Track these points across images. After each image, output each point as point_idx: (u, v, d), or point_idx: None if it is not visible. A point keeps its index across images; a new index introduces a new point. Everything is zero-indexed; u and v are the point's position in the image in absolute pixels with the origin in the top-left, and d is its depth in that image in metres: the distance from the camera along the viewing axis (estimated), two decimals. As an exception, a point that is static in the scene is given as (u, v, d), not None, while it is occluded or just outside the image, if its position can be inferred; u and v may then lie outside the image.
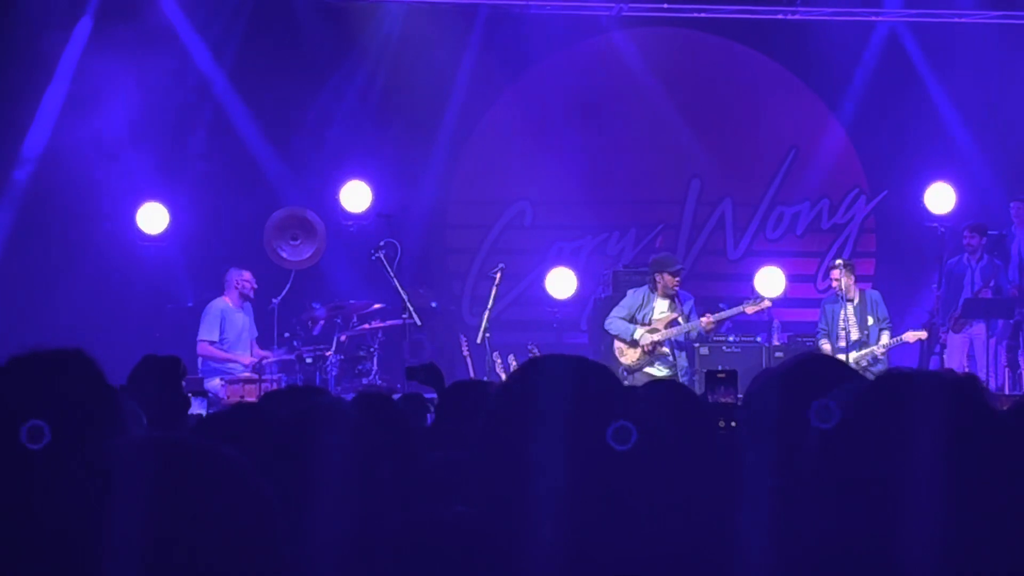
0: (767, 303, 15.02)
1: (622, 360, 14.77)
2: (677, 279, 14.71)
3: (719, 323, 14.81)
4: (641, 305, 14.73)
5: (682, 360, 14.82)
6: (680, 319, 14.63)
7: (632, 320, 14.71)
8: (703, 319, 14.60)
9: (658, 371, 14.65)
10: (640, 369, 14.68)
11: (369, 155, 17.29)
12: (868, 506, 2.34)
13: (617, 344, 14.83)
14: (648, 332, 14.61)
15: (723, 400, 6.06)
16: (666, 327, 14.62)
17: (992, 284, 15.77)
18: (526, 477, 2.51)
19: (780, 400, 3.03)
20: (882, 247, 18.73)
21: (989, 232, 16.13)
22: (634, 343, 14.66)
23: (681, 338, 14.80)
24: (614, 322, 14.84)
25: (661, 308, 14.70)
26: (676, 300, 14.76)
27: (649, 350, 14.59)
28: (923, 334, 15.29)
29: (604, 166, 18.32)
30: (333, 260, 16.40)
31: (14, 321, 15.58)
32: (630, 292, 15.05)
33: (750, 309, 14.87)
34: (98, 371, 2.38)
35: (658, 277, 14.71)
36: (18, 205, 16.74)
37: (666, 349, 14.69)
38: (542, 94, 18.14)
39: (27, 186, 16.71)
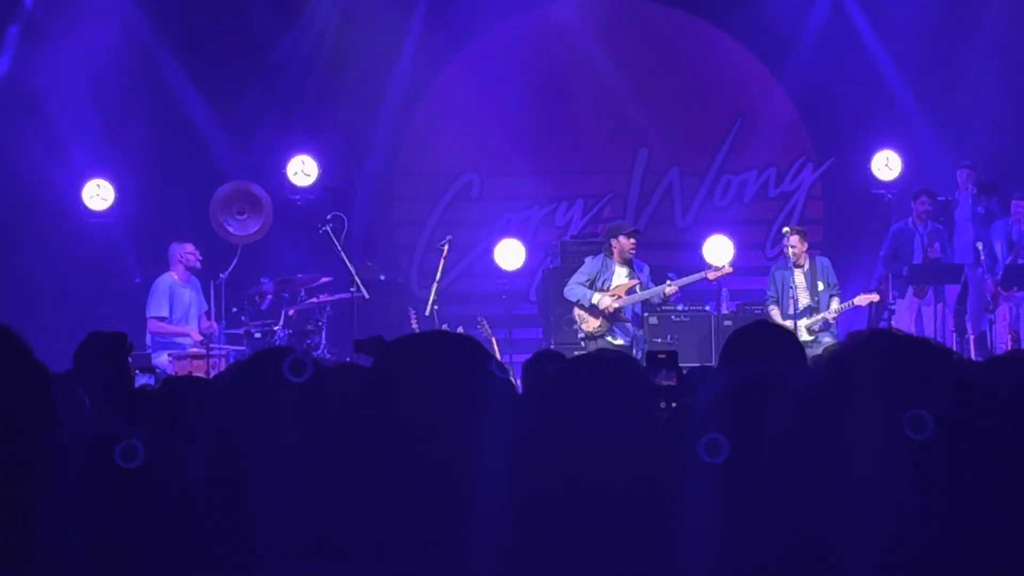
0: (728, 268, 15.01)
1: (583, 327, 14.73)
2: (632, 241, 14.68)
3: (680, 289, 14.81)
4: (600, 271, 14.70)
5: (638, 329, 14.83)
6: (638, 287, 14.62)
7: (592, 286, 14.68)
8: (667, 285, 14.58)
9: (617, 340, 14.63)
10: (601, 336, 14.65)
11: (315, 128, 17.21)
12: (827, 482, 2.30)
13: (577, 311, 14.78)
14: (608, 297, 14.59)
15: (664, 383, 5.94)
16: (626, 293, 14.61)
17: (937, 245, 15.79)
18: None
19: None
20: (829, 214, 18.78)
21: (937, 198, 16.21)
22: (593, 308, 14.62)
23: (639, 307, 14.78)
24: (574, 288, 14.79)
25: (620, 275, 14.68)
26: (634, 267, 14.76)
27: (610, 314, 14.57)
28: (875, 296, 15.28)
29: (551, 137, 18.29)
30: (280, 234, 16.30)
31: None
32: (588, 259, 15.01)
33: (712, 275, 14.84)
34: (25, 347, 2.33)
35: (613, 243, 14.69)
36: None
37: (626, 316, 14.67)
38: (488, 65, 18.07)
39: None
